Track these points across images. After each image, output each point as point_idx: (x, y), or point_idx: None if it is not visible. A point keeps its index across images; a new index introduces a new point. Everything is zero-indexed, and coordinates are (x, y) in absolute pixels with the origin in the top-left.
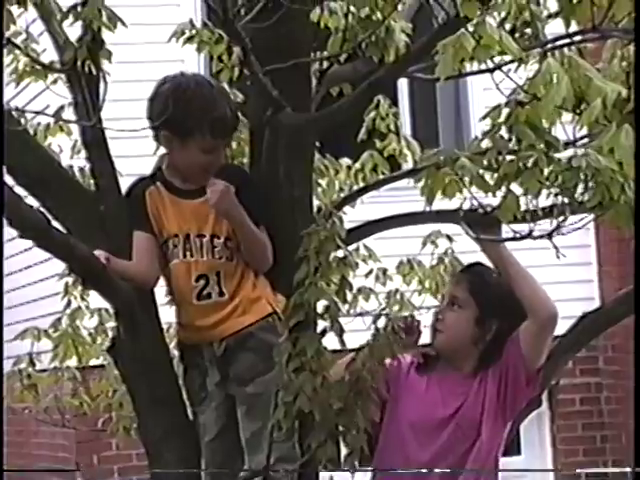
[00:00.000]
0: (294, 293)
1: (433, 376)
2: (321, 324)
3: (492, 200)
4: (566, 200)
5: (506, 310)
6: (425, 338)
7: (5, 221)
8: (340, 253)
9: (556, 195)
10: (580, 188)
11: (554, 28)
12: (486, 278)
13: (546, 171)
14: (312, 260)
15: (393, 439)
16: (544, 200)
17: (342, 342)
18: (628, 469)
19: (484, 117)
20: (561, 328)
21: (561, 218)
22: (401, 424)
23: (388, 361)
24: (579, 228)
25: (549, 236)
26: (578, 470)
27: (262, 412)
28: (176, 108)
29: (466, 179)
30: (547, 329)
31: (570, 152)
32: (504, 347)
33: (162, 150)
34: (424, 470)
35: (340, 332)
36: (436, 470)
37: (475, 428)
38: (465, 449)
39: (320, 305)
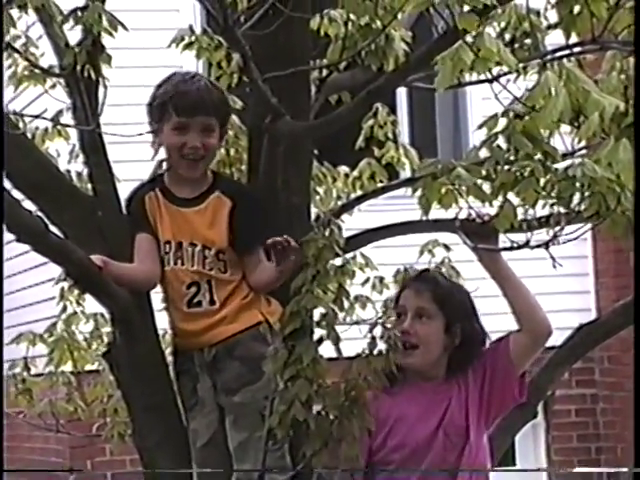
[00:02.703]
0: (291, 300)
1: (405, 393)
2: (318, 332)
3: (490, 209)
4: (562, 210)
5: (466, 312)
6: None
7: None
8: (338, 261)
9: (552, 205)
10: (577, 198)
11: (554, 39)
12: (444, 284)
13: (543, 181)
14: (310, 268)
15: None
16: (541, 210)
17: (338, 350)
18: (625, 469)
19: (480, 126)
20: (557, 339)
21: (557, 228)
22: (388, 453)
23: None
24: (575, 238)
25: (546, 246)
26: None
27: (249, 422)
28: (153, 93)
29: (463, 189)
30: (540, 345)
31: (568, 162)
32: (474, 348)
33: (160, 155)
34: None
35: (336, 340)
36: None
37: (462, 434)
38: (456, 456)
39: (317, 313)
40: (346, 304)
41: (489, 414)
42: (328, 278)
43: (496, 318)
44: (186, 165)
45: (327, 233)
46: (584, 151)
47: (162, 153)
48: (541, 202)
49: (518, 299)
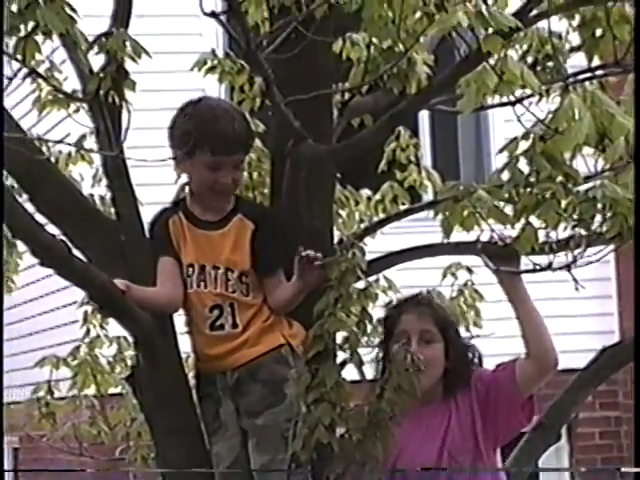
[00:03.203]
0: (314, 324)
1: (406, 418)
2: (341, 355)
3: (511, 231)
4: (584, 232)
5: (458, 333)
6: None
7: (28, 249)
8: (361, 284)
9: (574, 227)
10: (598, 219)
11: (576, 61)
12: (441, 307)
13: (564, 203)
14: (333, 291)
15: None
16: (563, 232)
17: (362, 374)
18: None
19: (501, 150)
20: (580, 362)
21: (578, 250)
22: (399, 478)
23: None
24: (597, 260)
25: (568, 268)
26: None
27: (272, 445)
28: (180, 124)
29: (484, 211)
30: (545, 374)
31: (590, 184)
32: (467, 368)
33: (183, 179)
34: None
35: (360, 364)
36: None
37: (468, 452)
38: (466, 476)
39: (340, 336)
40: (369, 327)
41: (496, 437)
42: (351, 301)
43: (514, 340)
44: (216, 198)
45: (350, 256)
46: (608, 173)
47: (184, 177)
48: (562, 224)
49: (531, 327)
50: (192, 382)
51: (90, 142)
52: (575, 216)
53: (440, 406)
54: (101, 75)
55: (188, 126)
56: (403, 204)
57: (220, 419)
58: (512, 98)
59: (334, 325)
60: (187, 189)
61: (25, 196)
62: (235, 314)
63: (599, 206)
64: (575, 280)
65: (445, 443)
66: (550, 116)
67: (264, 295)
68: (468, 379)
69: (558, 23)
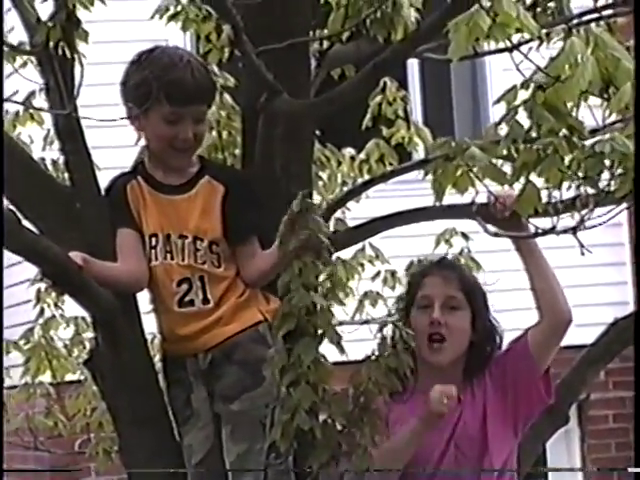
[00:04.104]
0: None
1: (416, 401)
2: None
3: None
4: (590, 190)
5: (487, 306)
6: None
7: None
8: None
9: (579, 186)
10: (606, 177)
11: (581, 1)
12: (469, 273)
13: (568, 159)
14: (296, 261)
15: None
16: (568, 192)
17: (341, 350)
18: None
19: (498, 100)
20: (591, 336)
21: (585, 211)
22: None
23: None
24: (603, 222)
25: (573, 232)
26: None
27: (248, 432)
28: (133, 76)
29: (480, 170)
30: (559, 334)
31: (597, 138)
32: (491, 349)
33: (143, 141)
34: None
35: (333, 339)
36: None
37: (477, 445)
38: (472, 470)
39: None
40: (347, 298)
41: (517, 421)
42: (317, 271)
43: (515, 314)
44: (175, 155)
45: (307, 221)
46: (616, 126)
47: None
48: (567, 183)
49: (544, 285)
50: (158, 366)
51: (40, 100)
52: (580, 173)
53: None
54: (50, 24)
55: (141, 76)
56: (390, 164)
57: (191, 407)
58: (509, 44)
59: (302, 299)
60: (147, 152)
61: None
62: (206, 288)
63: (607, 162)
64: (581, 244)
65: (454, 433)
66: (550, 63)
67: (237, 267)
68: (489, 362)
69: None
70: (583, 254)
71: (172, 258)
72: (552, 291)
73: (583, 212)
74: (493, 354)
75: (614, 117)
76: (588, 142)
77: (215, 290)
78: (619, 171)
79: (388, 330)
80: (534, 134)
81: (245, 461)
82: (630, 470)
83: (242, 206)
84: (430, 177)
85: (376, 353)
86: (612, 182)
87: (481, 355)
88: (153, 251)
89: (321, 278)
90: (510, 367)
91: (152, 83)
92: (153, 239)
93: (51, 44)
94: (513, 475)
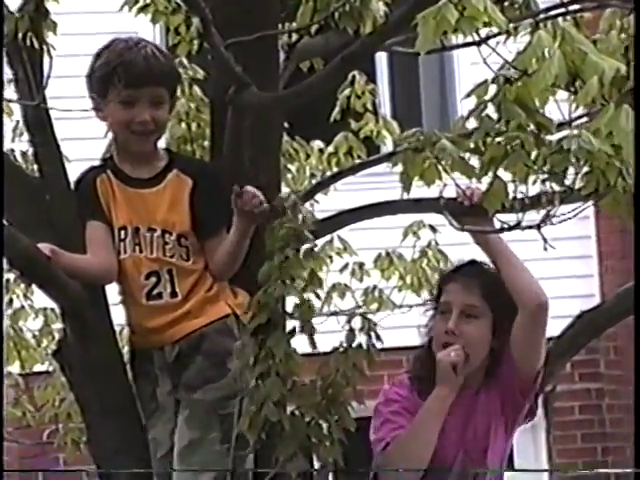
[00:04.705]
0: (258, 291)
1: None
2: (291, 324)
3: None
4: (556, 187)
5: (513, 310)
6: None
7: None
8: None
9: (544, 181)
10: (572, 173)
11: None
12: (494, 277)
13: (534, 154)
14: (277, 254)
15: None
16: (535, 187)
17: (313, 343)
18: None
19: (468, 95)
20: (557, 328)
21: (550, 207)
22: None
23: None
24: (569, 218)
25: (538, 227)
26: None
27: (204, 421)
28: (94, 67)
29: (448, 163)
30: (538, 320)
31: (564, 133)
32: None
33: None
34: None
35: (311, 332)
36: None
37: (483, 451)
38: (474, 476)
39: (290, 303)
40: (321, 293)
41: (508, 423)
42: (298, 265)
43: None
44: (135, 140)
45: (292, 216)
46: (583, 120)
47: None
48: (532, 177)
49: (514, 276)
50: (127, 357)
51: (9, 91)
52: (546, 169)
53: (470, 395)
54: (18, 15)
55: (99, 64)
56: (359, 157)
57: (157, 400)
58: (477, 37)
59: (279, 291)
60: (115, 146)
61: None
62: (174, 282)
63: (572, 159)
64: (544, 239)
65: (464, 440)
66: (518, 57)
67: (205, 261)
68: (502, 364)
69: None
70: (546, 249)
71: (141, 251)
72: (523, 276)
73: (548, 208)
74: (505, 359)
75: (580, 111)
76: (554, 137)
77: (183, 284)
78: (585, 169)
79: (356, 322)
80: (503, 128)
81: (197, 448)
82: (629, 470)
83: (210, 200)
84: (398, 169)
85: (344, 345)
86: (577, 179)
87: (497, 361)
88: (122, 244)
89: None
90: (503, 370)
91: (108, 69)
92: (122, 232)
93: (20, 35)
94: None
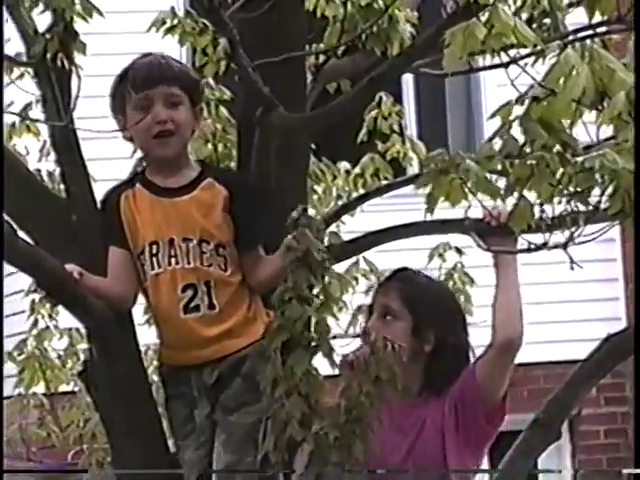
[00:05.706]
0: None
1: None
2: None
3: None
4: (581, 207)
5: (444, 318)
6: None
7: None
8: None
9: (569, 201)
10: (597, 193)
11: (576, 18)
12: (419, 283)
13: (559, 174)
14: (291, 275)
15: None
16: (560, 206)
17: (332, 363)
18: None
19: (493, 115)
20: (584, 352)
21: (575, 227)
22: None
23: None
24: (594, 239)
25: (563, 247)
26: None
27: (241, 444)
28: (115, 85)
29: (473, 184)
30: (503, 355)
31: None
32: (454, 361)
33: (139, 153)
34: None
35: (328, 352)
36: None
37: (437, 463)
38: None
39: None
40: (336, 311)
41: (469, 446)
42: (311, 284)
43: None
44: (157, 144)
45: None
46: (610, 142)
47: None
48: (558, 198)
49: (499, 301)
50: (152, 378)
51: (36, 111)
52: (571, 188)
53: (416, 404)
54: (47, 36)
55: (115, 80)
56: (385, 178)
57: (194, 422)
58: (505, 58)
59: (296, 311)
60: (145, 161)
61: None
62: (211, 294)
63: (597, 178)
64: (572, 260)
65: (411, 454)
66: (545, 76)
67: (242, 273)
68: (452, 374)
69: None
70: (573, 269)
71: (177, 263)
72: (510, 307)
73: (573, 228)
74: (455, 369)
75: (609, 133)
76: (580, 158)
77: (221, 296)
78: (610, 189)
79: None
80: (528, 149)
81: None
82: (627, 471)
83: (248, 210)
84: (423, 191)
85: (369, 365)
86: (602, 199)
87: (438, 368)
88: (155, 259)
89: (315, 291)
90: (460, 392)
91: (119, 79)
92: (154, 247)
93: (48, 56)
94: None
